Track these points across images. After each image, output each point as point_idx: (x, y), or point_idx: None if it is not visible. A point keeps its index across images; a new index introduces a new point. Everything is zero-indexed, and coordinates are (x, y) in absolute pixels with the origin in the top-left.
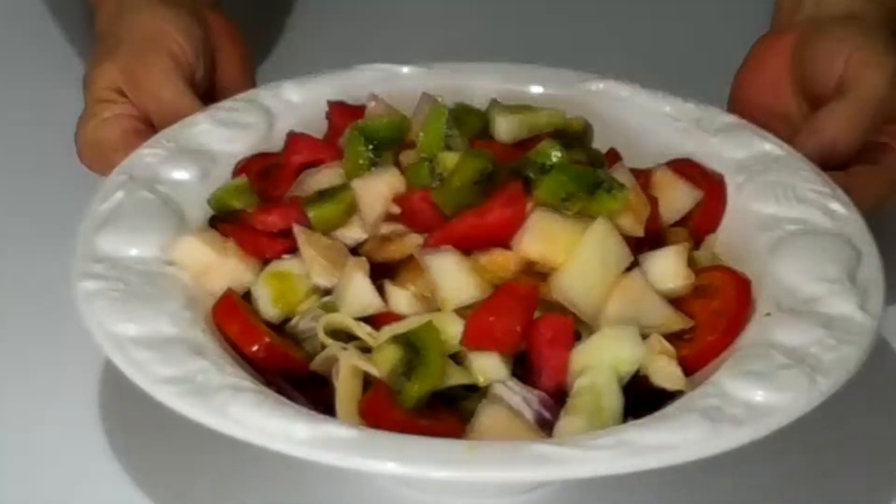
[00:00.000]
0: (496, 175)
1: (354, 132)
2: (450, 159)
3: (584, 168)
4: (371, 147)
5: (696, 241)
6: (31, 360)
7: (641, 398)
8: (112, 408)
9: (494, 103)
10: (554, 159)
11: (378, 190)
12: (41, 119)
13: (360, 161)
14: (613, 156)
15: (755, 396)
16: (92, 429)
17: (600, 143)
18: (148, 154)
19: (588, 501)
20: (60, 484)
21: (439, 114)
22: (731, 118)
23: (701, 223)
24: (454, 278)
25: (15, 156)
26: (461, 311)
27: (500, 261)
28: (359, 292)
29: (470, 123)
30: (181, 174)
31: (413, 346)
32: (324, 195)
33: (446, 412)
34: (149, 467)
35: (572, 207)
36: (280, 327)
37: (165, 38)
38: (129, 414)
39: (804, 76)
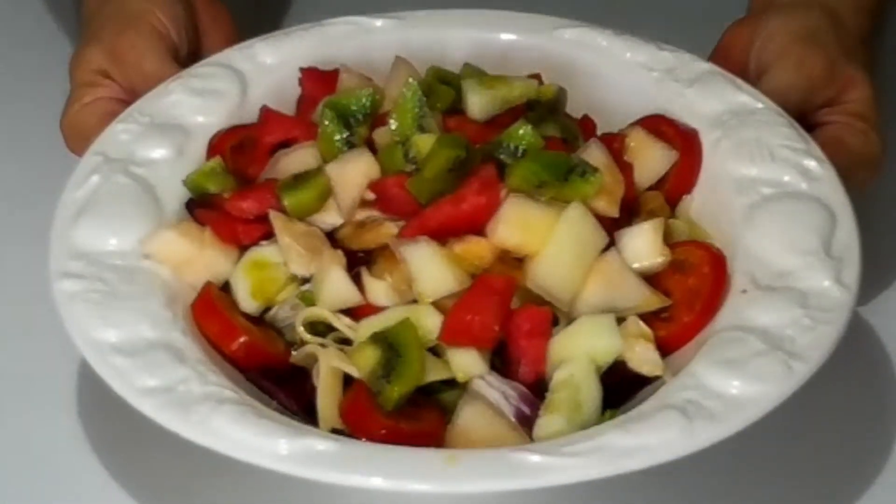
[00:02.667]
0: (470, 160)
1: (327, 110)
2: (423, 142)
3: (556, 154)
4: (344, 125)
5: (671, 202)
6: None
7: (619, 382)
8: (91, 405)
9: (468, 71)
10: (526, 143)
11: (353, 175)
12: (28, 109)
13: (334, 140)
14: (588, 124)
15: (731, 388)
16: (70, 425)
17: (574, 96)
18: (122, 130)
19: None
20: (38, 483)
21: (412, 94)
22: (706, 66)
23: (676, 184)
24: (431, 270)
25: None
26: (439, 302)
27: (476, 249)
28: (336, 286)
29: (443, 96)
30: (156, 152)
31: (391, 346)
32: (298, 180)
33: (427, 407)
34: (129, 464)
35: (546, 193)
36: (259, 316)
37: (147, 15)
38: (107, 411)
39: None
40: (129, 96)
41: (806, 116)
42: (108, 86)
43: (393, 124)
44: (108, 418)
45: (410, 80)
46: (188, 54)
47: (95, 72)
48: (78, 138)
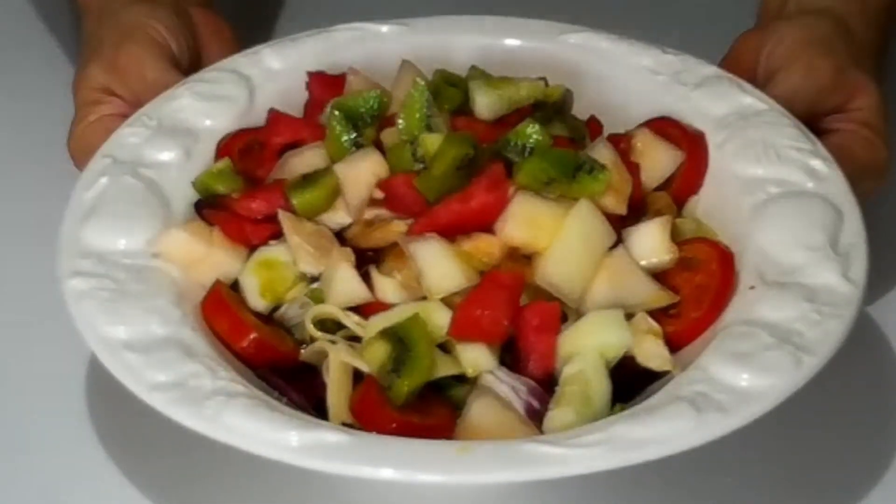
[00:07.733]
0: (478, 158)
1: (335, 111)
2: (431, 141)
3: (564, 151)
4: (352, 126)
5: (678, 203)
6: (17, 354)
7: (629, 377)
8: (102, 404)
9: (474, 73)
10: (534, 141)
11: (361, 175)
12: (31, 120)
13: (342, 141)
14: (594, 125)
15: (740, 381)
16: (82, 424)
17: (580, 100)
18: (130, 134)
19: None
20: (50, 482)
21: (419, 94)
22: (711, 69)
23: (683, 185)
24: (439, 266)
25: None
26: (448, 299)
27: (485, 247)
28: (345, 283)
29: (450, 98)
30: (164, 155)
31: (401, 341)
32: (307, 180)
33: (437, 403)
34: (140, 462)
35: (554, 191)
36: (268, 315)
37: (144, 27)
38: (119, 410)
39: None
40: (134, 109)
41: (813, 122)
42: (111, 102)
43: (401, 124)
44: (118, 415)
45: (418, 79)
46: (189, 66)
47: (97, 89)
48: (85, 157)
